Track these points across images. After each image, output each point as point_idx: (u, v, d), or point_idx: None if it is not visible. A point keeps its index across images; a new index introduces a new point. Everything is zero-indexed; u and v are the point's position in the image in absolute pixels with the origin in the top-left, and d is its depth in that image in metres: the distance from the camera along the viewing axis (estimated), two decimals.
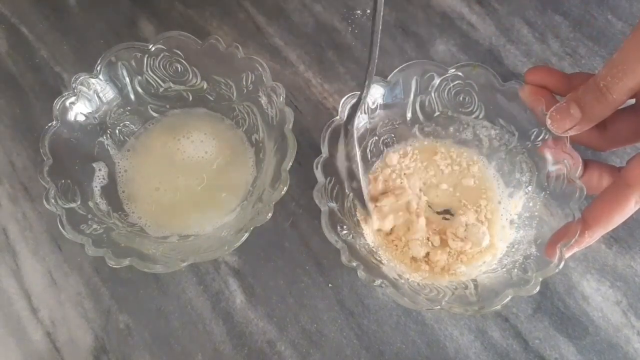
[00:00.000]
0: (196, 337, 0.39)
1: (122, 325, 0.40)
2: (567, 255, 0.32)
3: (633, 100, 0.32)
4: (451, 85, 0.38)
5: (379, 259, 0.37)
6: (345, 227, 0.36)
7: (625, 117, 0.33)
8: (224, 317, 0.40)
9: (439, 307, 0.32)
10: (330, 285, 0.40)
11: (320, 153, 0.36)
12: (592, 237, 0.32)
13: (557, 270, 0.32)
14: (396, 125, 0.41)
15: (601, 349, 0.38)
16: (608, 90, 0.29)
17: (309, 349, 0.39)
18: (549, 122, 0.32)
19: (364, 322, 0.39)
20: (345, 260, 0.32)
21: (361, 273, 0.32)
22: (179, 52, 0.40)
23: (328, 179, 0.36)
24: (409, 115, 0.40)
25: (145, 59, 0.40)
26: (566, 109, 0.31)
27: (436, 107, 0.40)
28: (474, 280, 0.35)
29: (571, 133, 0.32)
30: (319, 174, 0.35)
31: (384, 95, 0.38)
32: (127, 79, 0.41)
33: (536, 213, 0.37)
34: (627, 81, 0.28)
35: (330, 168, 0.36)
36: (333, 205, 0.35)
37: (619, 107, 0.30)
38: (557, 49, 0.46)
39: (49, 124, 0.37)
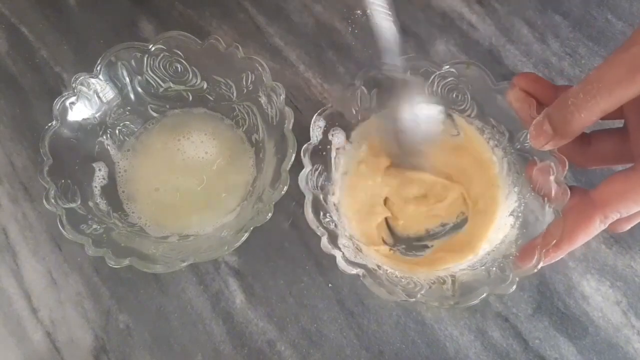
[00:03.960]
0: (196, 337, 0.39)
1: (122, 325, 0.40)
2: (533, 271, 0.32)
3: (622, 122, 0.31)
4: (444, 82, 0.38)
5: (359, 247, 0.37)
6: (328, 215, 0.36)
7: (610, 138, 0.32)
8: (224, 317, 0.40)
9: (414, 299, 0.32)
10: (330, 285, 0.40)
11: None
12: (557, 254, 0.32)
13: (534, 271, 0.32)
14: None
15: (601, 349, 0.38)
16: (576, 108, 0.27)
17: (309, 349, 0.39)
18: (529, 137, 0.32)
19: (364, 322, 0.39)
20: (324, 246, 0.33)
21: (340, 261, 0.33)
22: (179, 52, 0.40)
23: (315, 166, 0.36)
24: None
25: (145, 59, 0.40)
26: (540, 125, 0.30)
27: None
28: (452, 276, 0.36)
29: (548, 148, 0.31)
30: (306, 160, 0.35)
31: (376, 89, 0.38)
32: (127, 79, 0.41)
33: (520, 214, 0.37)
34: (599, 100, 0.26)
35: (317, 155, 0.36)
36: (318, 192, 0.36)
37: (590, 126, 0.28)
38: (557, 49, 0.46)
39: (49, 124, 0.37)
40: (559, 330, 0.38)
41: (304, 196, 0.34)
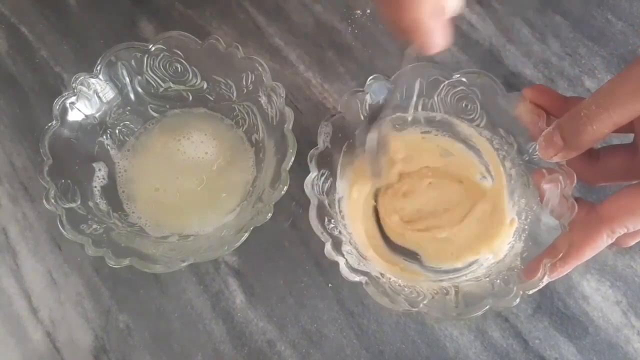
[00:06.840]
0: (196, 337, 0.39)
1: (122, 325, 0.40)
2: (539, 286, 0.32)
3: (632, 136, 0.31)
4: (454, 90, 0.38)
5: (363, 255, 0.37)
6: (332, 221, 0.36)
7: (619, 153, 0.32)
8: (224, 317, 0.40)
9: (416, 309, 0.32)
10: (330, 285, 0.40)
11: None
12: (564, 268, 0.32)
13: (540, 286, 0.31)
14: (397, 127, 0.40)
15: (601, 349, 0.38)
16: (589, 120, 0.27)
17: (309, 349, 0.39)
18: (537, 148, 0.31)
19: (364, 322, 0.39)
20: (328, 252, 0.33)
21: (343, 267, 0.32)
22: (179, 52, 0.40)
23: (321, 171, 0.36)
24: (410, 117, 0.40)
25: (145, 59, 0.40)
26: (550, 136, 0.30)
27: (438, 111, 0.39)
28: (456, 286, 0.35)
29: (557, 160, 0.31)
30: (312, 166, 0.35)
31: (386, 96, 0.38)
32: (127, 79, 0.41)
33: (526, 226, 0.37)
34: (612, 113, 0.26)
35: (324, 161, 0.36)
36: (323, 198, 0.35)
37: (603, 140, 0.28)
38: (557, 49, 0.46)
39: (49, 124, 0.37)
40: (559, 330, 0.38)
41: (304, 196, 0.34)
